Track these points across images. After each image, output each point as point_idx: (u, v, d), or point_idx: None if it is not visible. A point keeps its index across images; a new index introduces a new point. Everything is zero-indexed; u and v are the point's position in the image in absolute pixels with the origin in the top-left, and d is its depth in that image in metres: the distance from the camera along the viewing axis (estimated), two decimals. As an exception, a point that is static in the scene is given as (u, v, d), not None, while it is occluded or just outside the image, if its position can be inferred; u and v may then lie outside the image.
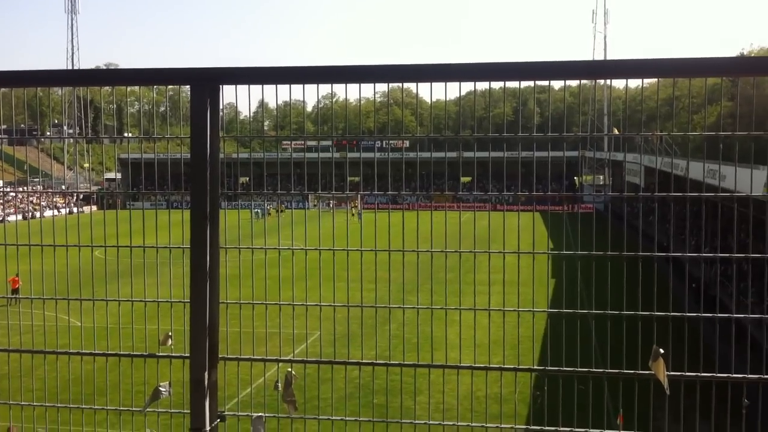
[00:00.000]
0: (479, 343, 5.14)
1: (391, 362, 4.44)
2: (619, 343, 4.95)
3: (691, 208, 43.65)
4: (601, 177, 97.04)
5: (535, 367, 4.41)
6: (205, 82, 3.56)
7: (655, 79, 3.73)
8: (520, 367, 4.37)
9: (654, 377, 3.74)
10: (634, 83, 3.64)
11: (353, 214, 52.28)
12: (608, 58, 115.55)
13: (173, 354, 4.44)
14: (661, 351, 3.72)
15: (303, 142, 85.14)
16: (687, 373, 3.93)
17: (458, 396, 5.96)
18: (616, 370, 4.12)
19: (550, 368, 4.24)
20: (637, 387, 4.22)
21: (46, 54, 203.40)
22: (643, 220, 46.89)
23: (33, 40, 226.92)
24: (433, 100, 4.46)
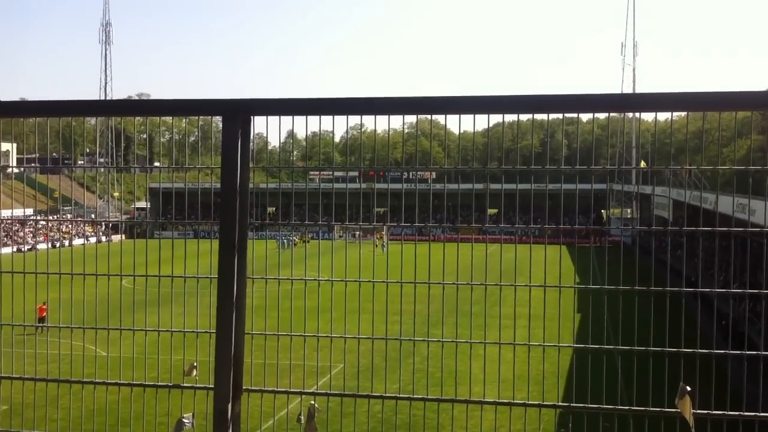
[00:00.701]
0: (503, 378, 5.11)
1: (415, 396, 4.42)
2: (645, 380, 4.89)
3: (719, 242, 43.17)
4: (629, 210, 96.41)
5: (560, 403, 4.36)
6: (237, 114, 3.60)
7: (684, 112, 3.71)
8: (545, 403, 4.33)
9: (680, 415, 3.69)
10: (662, 115, 3.63)
11: (377, 245, 52.24)
12: (637, 90, 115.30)
13: (197, 385, 4.45)
14: (688, 388, 3.67)
15: (331, 173, 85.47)
16: (714, 412, 3.87)
17: (482, 432, 5.91)
18: (642, 408, 4.07)
19: (575, 405, 4.19)
20: (663, 425, 4.17)
21: (80, 84, 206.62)
22: (670, 254, 46.42)
23: (67, 71, 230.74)
24: (461, 131, 4.48)
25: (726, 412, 3.85)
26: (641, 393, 4.92)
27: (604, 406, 4.07)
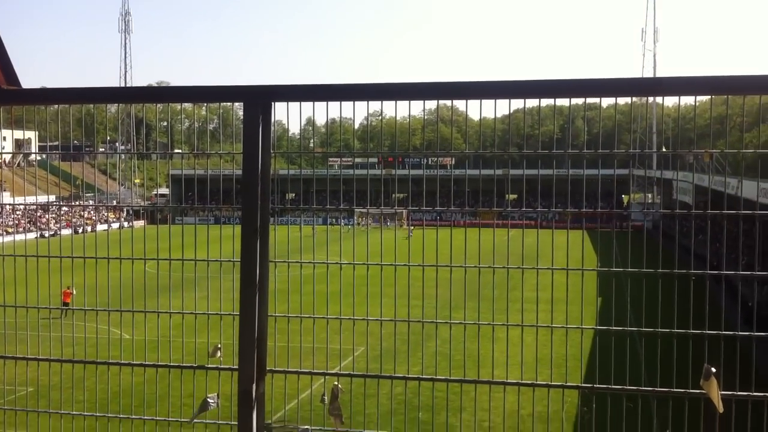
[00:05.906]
0: (525, 361, 5.10)
1: (438, 377, 4.43)
2: (668, 363, 4.87)
3: (742, 226, 42.73)
4: (650, 195, 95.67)
5: (583, 384, 4.36)
6: (258, 100, 3.61)
7: (707, 97, 3.68)
8: (568, 384, 4.33)
9: (704, 396, 3.69)
10: (683, 100, 3.60)
11: (410, 230, 52.08)
12: (658, 76, 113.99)
13: (222, 366, 4.49)
14: (713, 369, 3.66)
15: (351, 159, 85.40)
16: (738, 392, 3.86)
17: (504, 414, 5.92)
18: (666, 389, 4.06)
19: (598, 386, 4.19)
20: (688, 406, 4.16)
21: (99, 73, 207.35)
22: (693, 239, 45.98)
23: (87, 60, 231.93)
24: (481, 116, 4.45)
25: (751, 393, 3.84)
26: (664, 375, 4.91)
27: (628, 387, 4.07)
